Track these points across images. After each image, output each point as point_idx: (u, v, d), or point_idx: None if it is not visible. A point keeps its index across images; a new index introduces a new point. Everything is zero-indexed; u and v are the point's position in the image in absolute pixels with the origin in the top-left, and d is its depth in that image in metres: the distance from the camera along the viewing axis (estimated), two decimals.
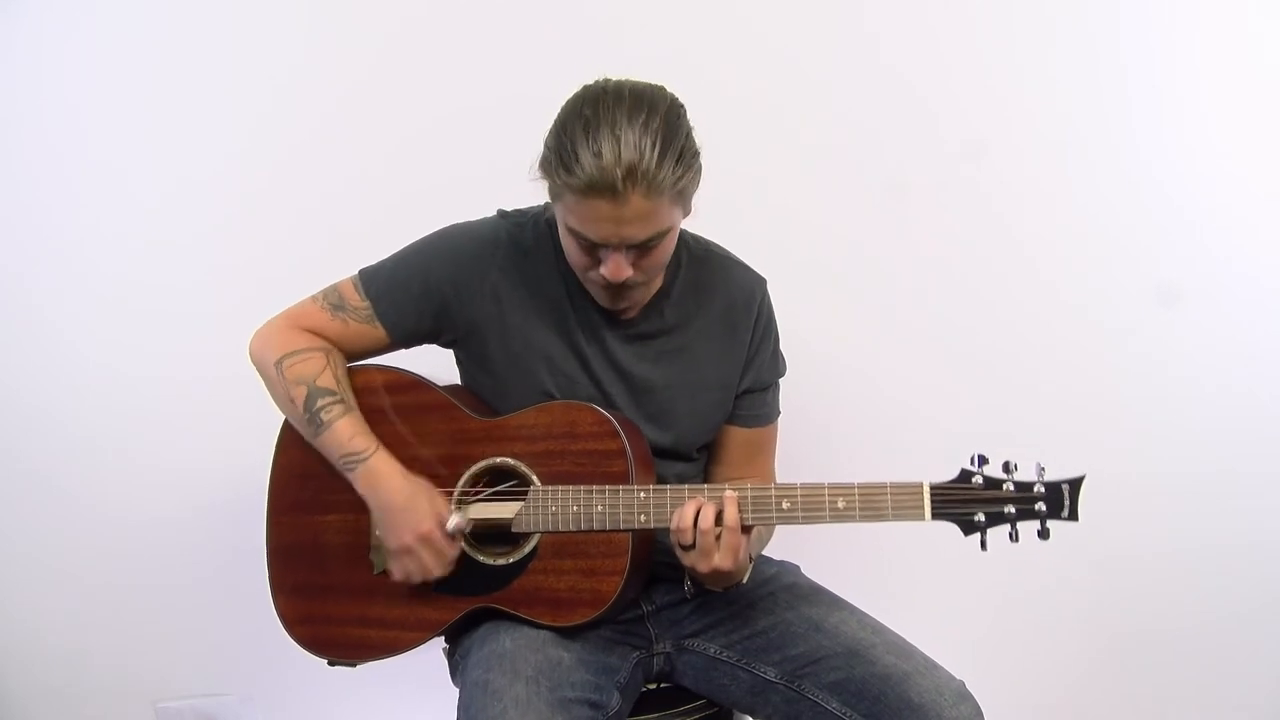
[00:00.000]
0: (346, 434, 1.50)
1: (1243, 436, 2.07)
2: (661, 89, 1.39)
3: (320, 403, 1.51)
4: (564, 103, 1.40)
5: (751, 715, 1.56)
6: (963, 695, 1.39)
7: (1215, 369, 2.06)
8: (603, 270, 1.39)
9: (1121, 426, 2.08)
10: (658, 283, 1.52)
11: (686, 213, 1.43)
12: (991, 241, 2.07)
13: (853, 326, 2.10)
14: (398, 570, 1.49)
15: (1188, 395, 2.07)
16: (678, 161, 1.33)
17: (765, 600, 1.54)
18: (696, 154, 1.38)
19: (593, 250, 1.39)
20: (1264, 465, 2.07)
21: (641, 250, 1.38)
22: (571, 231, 1.39)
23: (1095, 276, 2.07)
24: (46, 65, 2.07)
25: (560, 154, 1.33)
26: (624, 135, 1.30)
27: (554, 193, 1.39)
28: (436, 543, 1.46)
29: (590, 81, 1.40)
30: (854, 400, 2.11)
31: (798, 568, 1.65)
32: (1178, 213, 2.05)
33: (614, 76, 1.40)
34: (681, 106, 1.40)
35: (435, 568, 1.47)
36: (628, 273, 1.39)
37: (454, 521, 1.47)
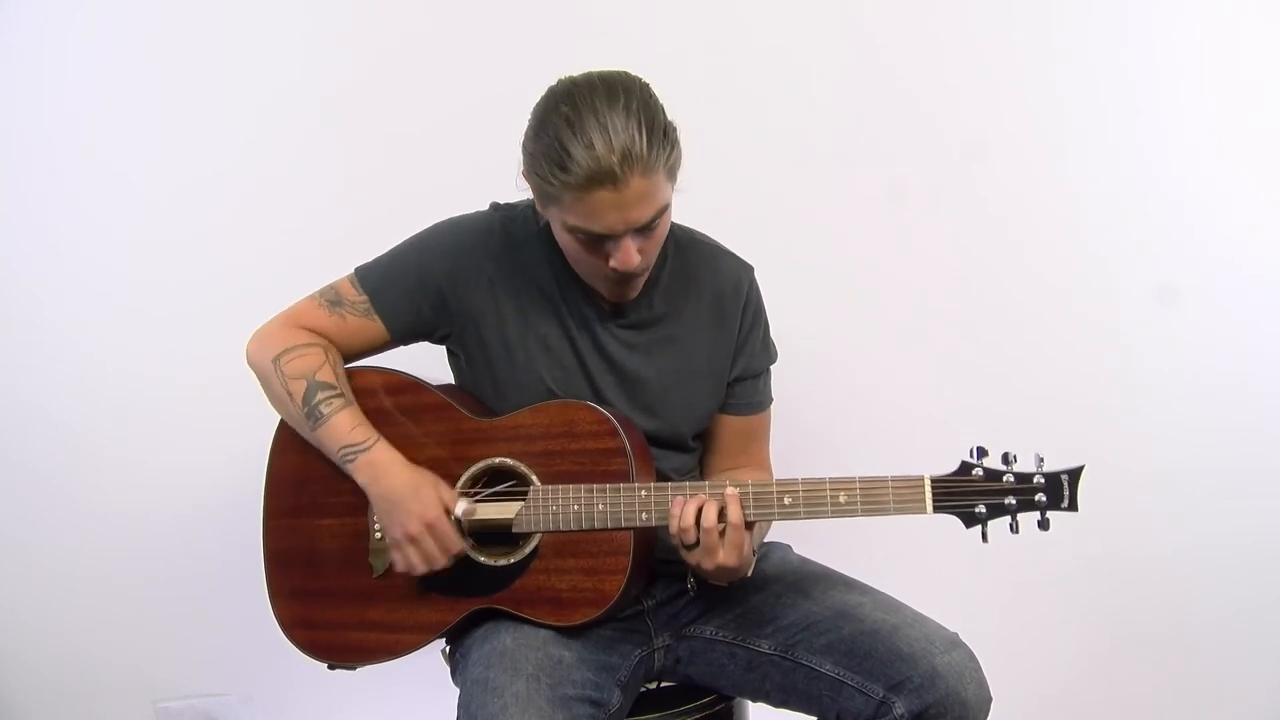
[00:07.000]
0: (346, 426, 1.49)
1: (1242, 435, 2.06)
2: (625, 73, 1.39)
3: (319, 396, 1.50)
4: (535, 107, 1.39)
5: (752, 696, 1.56)
6: (954, 643, 1.39)
7: (1214, 368, 2.06)
8: (613, 264, 1.39)
9: (1119, 424, 2.08)
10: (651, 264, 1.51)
11: (673, 188, 1.41)
12: (991, 238, 2.07)
13: (853, 323, 2.10)
14: (400, 561, 1.47)
15: (1186, 394, 2.07)
16: (665, 137, 1.34)
17: (756, 578, 1.54)
18: (675, 128, 1.38)
19: (599, 245, 1.38)
20: (1264, 464, 2.07)
21: (645, 232, 1.38)
22: (574, 230, 1.37)
23: (1093, 273, 2.07)
24: (46, 67, 2.06)
25: (550, 155, 1.32)
26: (610, 122, 1.30)
27: (547, 197, 1.38)
28: (442, 531, 1.44)
29: (553, 81, 1.39)
30: (853, 396, 2.11)
31: (789, 547, 1.65)
32: (1177, 213, 2.04)
33: (572, 73, 1.39)
34: (648, 85, 1.39)
35: (440, 556, 1.45)
36: (637, 259, 1.38)
37: (462, 506, 1.45)
